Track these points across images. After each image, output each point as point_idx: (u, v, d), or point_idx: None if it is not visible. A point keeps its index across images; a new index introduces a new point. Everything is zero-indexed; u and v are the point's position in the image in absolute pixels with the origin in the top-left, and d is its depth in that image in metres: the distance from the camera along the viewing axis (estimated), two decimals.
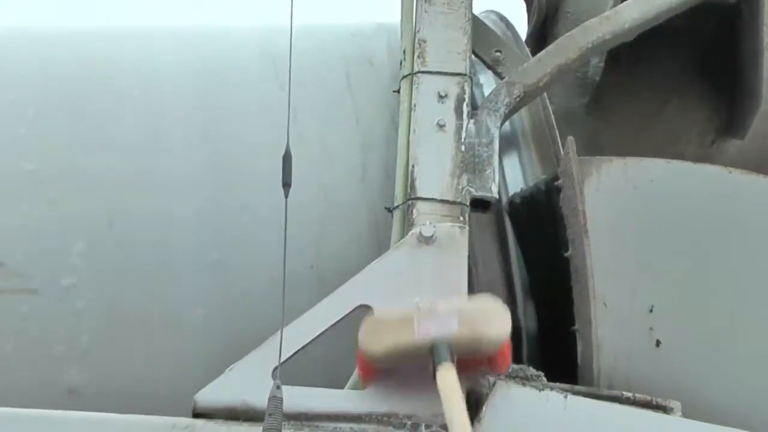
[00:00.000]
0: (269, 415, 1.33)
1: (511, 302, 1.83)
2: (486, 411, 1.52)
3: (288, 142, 1.53)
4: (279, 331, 1.47)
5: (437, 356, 1.41)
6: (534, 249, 1.92)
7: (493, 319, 1.46)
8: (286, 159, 1.53)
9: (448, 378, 1.39)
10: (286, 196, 1.50)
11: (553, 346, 1.85)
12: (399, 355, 1.45)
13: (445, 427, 1.39)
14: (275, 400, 1.36)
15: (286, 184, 1.51)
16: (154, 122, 1.83)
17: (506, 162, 1.99)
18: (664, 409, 1.62)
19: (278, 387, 1.38)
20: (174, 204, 1.77)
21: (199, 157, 1.82)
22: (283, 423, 1.35)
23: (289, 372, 1.47)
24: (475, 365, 1.49)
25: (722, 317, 1.76)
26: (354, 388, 1.57)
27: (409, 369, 1.48)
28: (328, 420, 1.49)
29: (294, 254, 1.53)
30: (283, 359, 1.45)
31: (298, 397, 1.49)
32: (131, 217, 1.75)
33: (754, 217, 1.79)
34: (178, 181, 1.79)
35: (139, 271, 1.73)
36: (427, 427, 1.48)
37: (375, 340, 1.45)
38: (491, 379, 1.55)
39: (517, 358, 1.66)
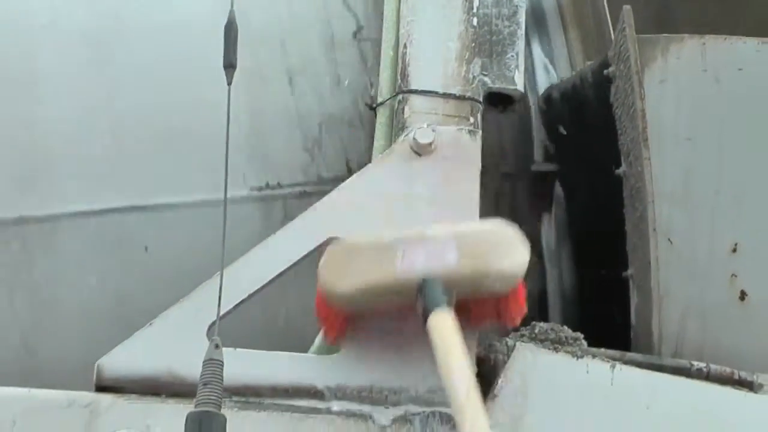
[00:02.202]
0: (204, 384, 1.12)
1: (536, 237, 1.70)
2: (503, 385, 1.33)
3: (232, 10, 1.33)
4: (217, 275, 1.26)
5: (428, 297, 1.21)
6: (574, 164, 1.74)
7: (504, 249, 1.27)
8: (229, 32, 1.33)
9: (444, 325, 1.18)
10: (229, 83, 1.28)
11: (596, 299, 1.68)
12: (375, 296, 1.26)
13: (443, 404, 1.21)
14: (213, 364, 1.14)
15: (230, 66, 1.30)
16: None
17: (536, 42, 1.82)
18: (749, 386, 1.47)
19: (217, 347, 1.15)
20: None
21: None
22: (224, 398, 1.14)
23: (231, 331, 1.27)
24: (478, 313, 1.30)
25: None
26: (320, 352, 1.37)
27: (393, 322, 1.29)
28: (283, 395, 1.30)
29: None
30: (223, 311, 1.25)
31: (243, 364, 1.30)
32: None
33: None
34: None
35: None
36: (418, 404, 1.28)
37: (341, 276, 1.26)
38: (509, 341, 1.36)
39: (544, 315, 1.59)
